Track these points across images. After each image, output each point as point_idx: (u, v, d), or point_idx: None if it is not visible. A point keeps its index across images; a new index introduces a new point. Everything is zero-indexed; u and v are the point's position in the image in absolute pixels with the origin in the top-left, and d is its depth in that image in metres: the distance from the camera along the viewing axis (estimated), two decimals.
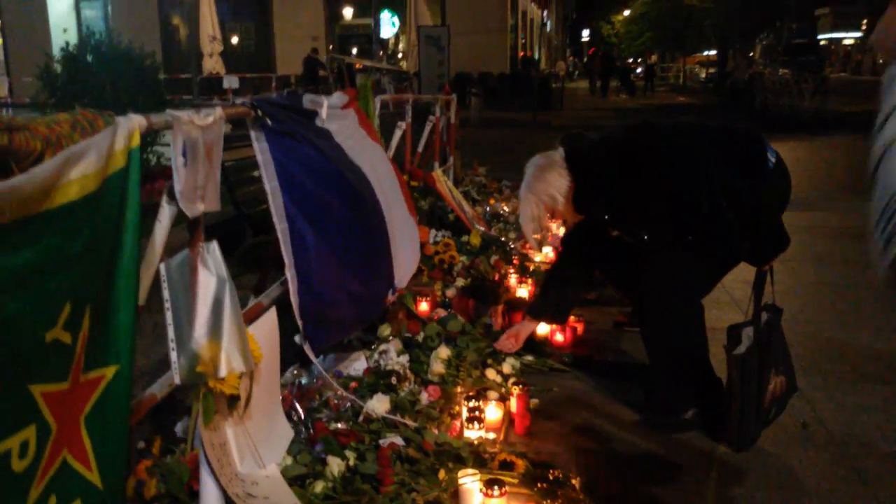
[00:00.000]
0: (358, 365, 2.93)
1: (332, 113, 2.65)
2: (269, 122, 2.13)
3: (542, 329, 3.43)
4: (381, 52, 26.61)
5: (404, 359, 2.87)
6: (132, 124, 1.48)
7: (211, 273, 1.77)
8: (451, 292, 3.77)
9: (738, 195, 2.40)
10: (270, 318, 2.20)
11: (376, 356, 2.93)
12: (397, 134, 4.48)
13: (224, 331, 1.74)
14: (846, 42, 56.36)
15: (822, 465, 2.47)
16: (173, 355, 1.73)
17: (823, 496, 2.29)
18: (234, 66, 23.26)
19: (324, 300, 2.38)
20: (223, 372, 1.73)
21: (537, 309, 3.14)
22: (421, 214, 5.29)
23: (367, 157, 2.79)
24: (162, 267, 1.76)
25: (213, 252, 1.78)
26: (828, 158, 11.85)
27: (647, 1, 37.69)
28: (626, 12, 49.35)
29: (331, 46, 26.33)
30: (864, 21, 48.34)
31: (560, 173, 2.63)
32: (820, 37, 42.71)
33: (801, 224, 6.49)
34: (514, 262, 4.57)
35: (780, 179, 2.61)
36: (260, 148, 2.13)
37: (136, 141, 1.49)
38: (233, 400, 1.91)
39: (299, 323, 2.29)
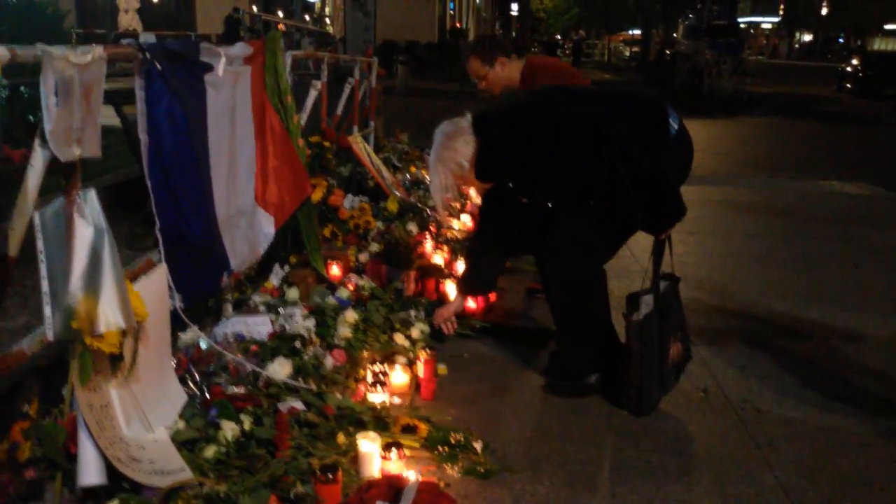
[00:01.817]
0: (263, 329, 2.82)
1: (228, 69, 2.52)
2: (157, 66, 1.99)
3: (453, 294, 3.41)
4: (307, 16, 26.00)
5: (310, 322, 2.79)
6: None
7: (88, 223, 1.65)
8: (364, 257, 3.69)
9: (636, 163, 2.39)
10: (159, 275, 2.09)
11: (282, 320, 2.84)
12: (312, 94, 4.33)
13: (102, 285, 1.63)
14: (764, 26, 58.16)
15: (719, 429, 2.53)
16: (47, 310, 1.61)
17: (717, 460, 2.34)
18: (153, 24, 22.32)
19: (183, 260, 2.28)
20: (101, 328, 1.62)
21: (469, 285, 3.10)
22: (340, 180, 5.18)
23: (225, 123, 2.62)
24: (36, 216, 1.64)
25: (90, 201, 1.66)
26: (742, 137, 12.24)
27: None
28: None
29: (254, 7, 25.55)
30: (781, 6, 50.01)
31: (466, 140, 2.57)
32: (739, 20, 43.90)
33: (712, 198, 6.69)
34: (431, 228, 4.52)
35: (682, 147, 2.62)
36: (140, 95, 2.01)
37: None
38: (115, 360, 1.80)
39: (171, 285, 2.18)
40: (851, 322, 3.60)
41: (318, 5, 25.70)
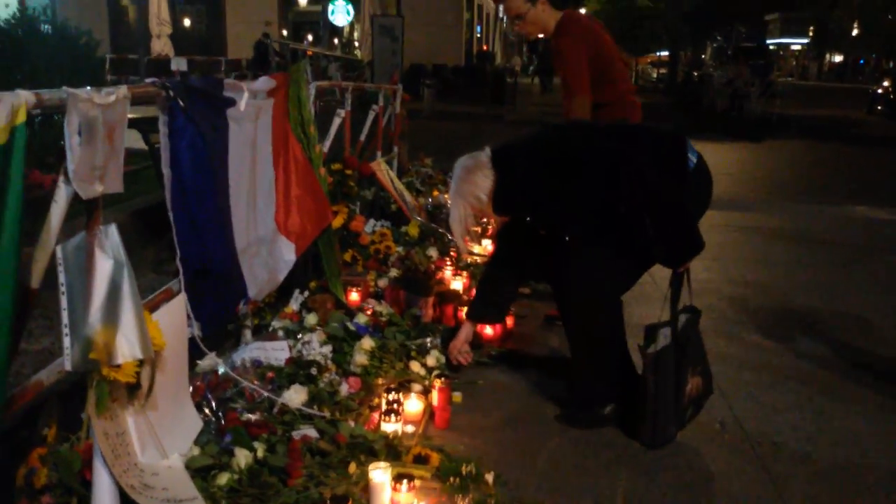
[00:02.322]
0: (281, 355, 2.87)
1: (251, 102, 2.58)
2: (180, 103, 2.06)
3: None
4: (336, 40, 26.35)
5: (327, 349, 2.83)
6: (18, 100, 1.41)
7: (108, 257, 1.70)
8: (382, 282, 3.73)
9: (655, 197, 2.41)
10: (178, 304, 2.14)
11: (299, 346, 2.88)
12: (336, 122, 4.41)
13: (120, 317, 1.68)
14: (794, 48, 57.77)
15: (735, 465, 2.51)
16: (66, 341, 1.65)
17: (731, 497, 2.32)
18: (185, 49, 22.80)
19: (203, 290, 2.33)
20: (118, 359, 1.66)
21: (476, 312, 3.09)
22: (363, 204, 5.26)
23: (247, 156, 2.69)
24: (58, 249, 1.69)
25: (111, 235, 1.71)
26: (770, 160, 12.13)
27: (601, 0, 38.00)
28: (583, 10, 49.69)
29: (284, 32, 25.98)
30: (811, 28, 49.70)
31: (485, 174, 2.60)
32: (769, 41, 43.72)
33: (738, 224, 6.63)
34: (452, 253, 4.56)
35: (701, 181, 2.63)
36: (163, 131, 2.07)
37: (22, 117, 1.42)
38: (132, 389, 1.84)
39: (190, 313, 2.23)
40: (877, 354, 3.55)
41: (346, 30, 26.02)
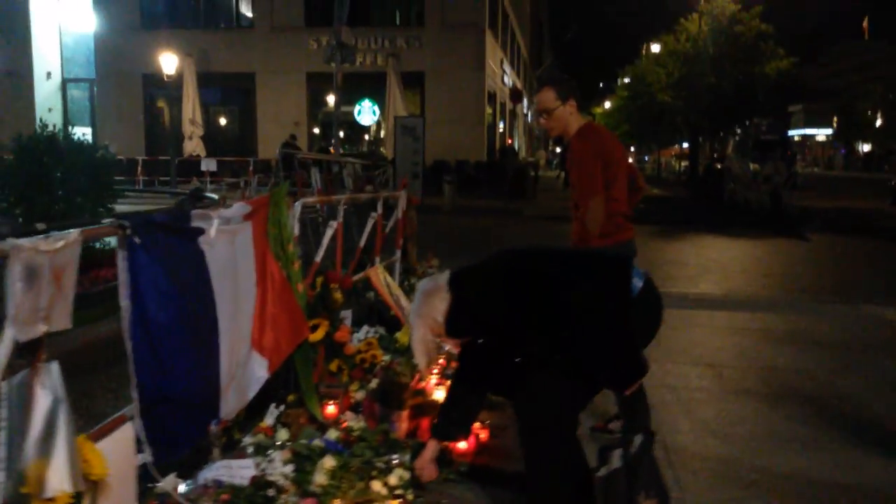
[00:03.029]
0: (246, 473, 2.92)
1: (223, 229, 2.74)
2: (136, 240, 2.20)
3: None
4: (366, 135, 27.21)
5: (289, 468, 2.87)
6: None
7: (48, 393, 1.81)
8: (360, 395, 3.78)
9: (597, 321, 2.48)
10: (126, 431, 2.23)
11: (264, 464, 2.93)
12: (328, 233, 4.56)
13: (54, 451, 1.77)
14: (819, 138, 58.18)
15: None
16: (1, 475, 1.74)
17: None
18: (217, 149, 23.73)
19: (160, 416, 2.41)
20: (48, 493, 1.74)
21: (440, 430, 3.11)
22: (360, 308, 5.38)
23: (229, 279, 2.84)
24: (4, 385, 1.80)
25: (51, 372, 1.83)
26: (786, 255, 12.06)
27: (624, 95, 38.97)
28: (608, 104, 50.94)
29: (316, 130, 26.93)
30: (835, 118, 50.18)
31: (442, 297, 2.70)
32: (793, 132, 44.12)
33: (743, 326, 6.51)
34: (441, 362, 4.60)
35: (647, 307, 2.69)
36: (121, 266, 2.20)
37: None
38: None
39: (143, 439, 2.31)
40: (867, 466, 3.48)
41: (373, 128, 26.92)
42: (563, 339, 2.52)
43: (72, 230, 1.92)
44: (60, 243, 1.85)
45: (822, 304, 7.76)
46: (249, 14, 26.49)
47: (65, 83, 27.58)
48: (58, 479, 1.77)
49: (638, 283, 2.66)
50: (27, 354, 1.81)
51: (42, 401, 1.80)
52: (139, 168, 21.37)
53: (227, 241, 2.84)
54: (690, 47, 29.54)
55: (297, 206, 3.86)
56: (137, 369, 2.35)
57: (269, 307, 3.28)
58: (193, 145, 22.00)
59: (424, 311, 2.75)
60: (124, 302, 2.29)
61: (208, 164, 19.80)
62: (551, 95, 3.62)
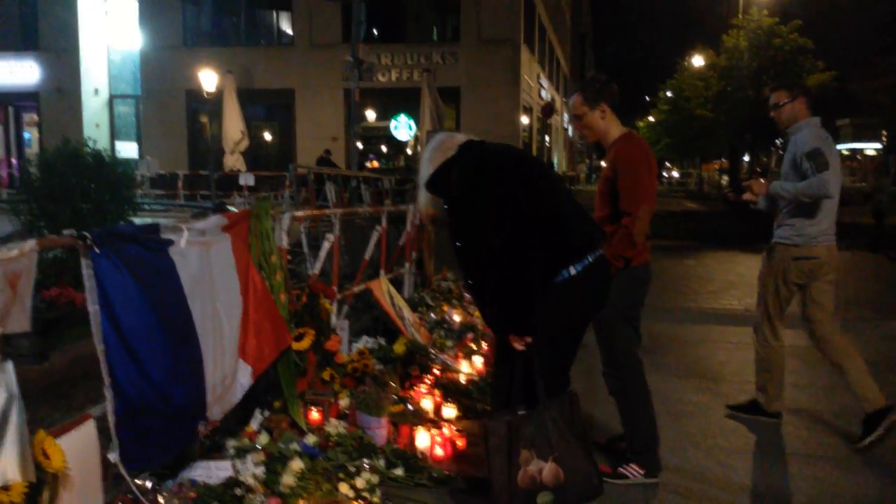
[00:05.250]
0: (223, 474, 3.05)
1: (197, 240, 2.88)
2: (96, 249, 2.34)
3: (422, 442, 3.55)
4: (408, 149, 27.49)
5: (259, 469, 2.99)
6: None
7: (2, 390, 1.95)
8: (344, 403, 3.89)
9: (505, 262, 2.65)
10: (87, 429, 2.37)
11: (239, 465, 3.06)
12: (325, 246, 4.70)
13: (5, 444, 1.92)
14: (868, 152, 56.72)
15: None
16: None
17: None
18: (258, 163, 24.20)
19: (141, 421, 2.54)
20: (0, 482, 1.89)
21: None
22: (371, 318, 5.53)
23: (205, 289, 2.98)
24: None
25: (6, 371, 1.97)
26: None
27: (665, 109, 38.66)
28: (651, 118, 50.53)
29: (359, 144, 27.32)
30: (884, 132, 48.80)
31: (445, 155, 2.92)
32: (841, 146, 43.19)
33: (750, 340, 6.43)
34: (435, 372, 4.70)
35: (572, 294, 2.82)
36: (86, 273, 2.35)
37: None
38: None
39: (114, 440, 2.44)
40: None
41: (411, 143, 27.19)
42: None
43: (30, 240, 2.08)
44: (14, 252, 2.01)
45: (845, 321, 7.63)
46: (289, 31, 27.05)
47: (111, 99, 28.49)
48: (10, 469, 1.91)
49: (573, 270, 2.77)
50: None
51: None
52: (180, 182, 21.91)
53: (201, 252, 2.97)
54: (727, 61, 29.20)
55: (286, 218, 4.01)
56: (111, 371, 2.48)
57: (252, 314, 3.42)
58: (234, 160, 22.44)
59: (436, 157, 2.96)
60: (92, 307, 2.44)
61: (246, 179, 20.22)
62: (579, 100, 3.63)
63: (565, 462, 2.75)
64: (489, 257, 2.68)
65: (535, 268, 2.67)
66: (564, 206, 2.91)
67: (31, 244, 2.06)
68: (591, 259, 2.84)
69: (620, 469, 3.53)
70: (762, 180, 4.37)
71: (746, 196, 4.41)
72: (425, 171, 2.99)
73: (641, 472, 3.47)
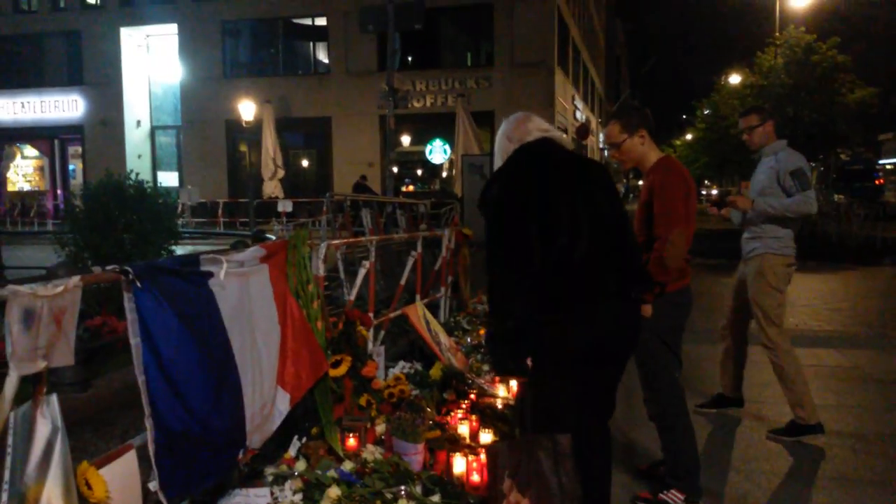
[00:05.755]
0: (261, 501, 3.09)
1: (235, 271, 2.94)
2: (138, 284, 2.41)
3: (459, 468, 3.54)
4: (444, 172, 27.67)
5: (298, 497, 3.02)
6: None
7: (47, 422, 2.02)
8: (380, 429, 3.91)
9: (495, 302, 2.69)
10: (129, 459, 2.42)
11: (278, 493, 3.09)
12: (361, 273, 4.76)
13: (49, 474, 1.97)
14: None
15: None
16: (4, 496, 1.96)
17: None
18: (296, 189, 24.58)
19: (181, 450, 2.58)
20: None
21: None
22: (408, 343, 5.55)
23: (244, 319, 3.03)
24: (11, 415, 2.03)
25: (51, 404, 2.04)
26: (868, 289, 11.58)
27: (702, 127, 38.34)
28: (689, 136, 50.16)
29: (396, 169, 27.61)
30: None
31: (507, 150, 2.98)
32: (884, 161, 42.25)
33: (814, 362, 6.31)
34: (471, 397, 4.70)
35: (559, 338, 2.76)
36: (128, 307, 2.41)
37: None
38: None
39: (154, 469, 2.48)
40: None
41: (446, 165, 27.36)
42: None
43: (74, 277, 2.15)
44: (59, 288, 2.07)
45: (885, 339, 7.49)
46: (326, 60, 27.51)
47: (153, 130, 29.26)
48: (55, 500, 1.97)
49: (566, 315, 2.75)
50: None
51: (42, 429, 2.01)
52: (220, 210, 22.34)
53: (239, 283, 3.03)
54: (763, 79, 28.83)
55: (322, 246, 4.07)
56: (152, 401, 2.54)
57: (290, 343, 3.47)
58: (272, 187, 22.88)
59: (504, 144, 3.03)
60: (133, 340, 2.50)
61: (284, 205, 20.54)
62: (616, 129, 3.66)
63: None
64: (487, 291, 2.70)
65: (520, 312, 2.68)
66: (586, 242, 2.72)
67: (75, 280, 2.13)
68: (596, 302, 2.76)
69: (661, 495, 3.49)
70: (744, 197, 4.70)
71: (724, 212, 4.82)
72: (497, 153, 3.07)
73: (682, 497, 3.42)
